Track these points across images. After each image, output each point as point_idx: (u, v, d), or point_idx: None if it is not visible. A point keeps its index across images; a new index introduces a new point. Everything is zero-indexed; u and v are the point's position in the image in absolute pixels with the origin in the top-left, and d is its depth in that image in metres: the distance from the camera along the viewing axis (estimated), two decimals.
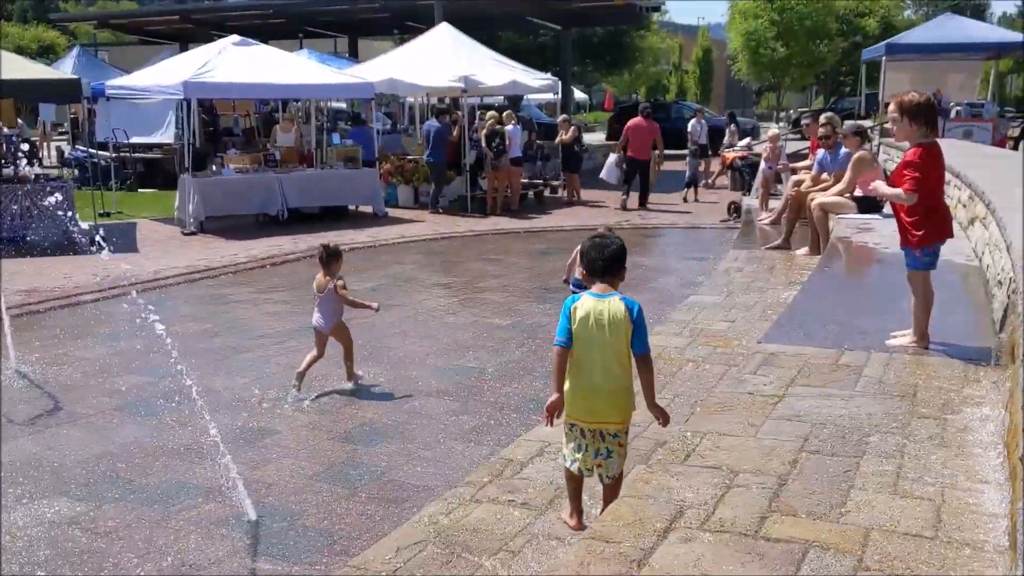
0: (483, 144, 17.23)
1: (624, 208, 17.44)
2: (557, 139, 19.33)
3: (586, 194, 19.54)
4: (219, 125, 21.59)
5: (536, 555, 4.03)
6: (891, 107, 5.37)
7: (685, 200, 18.84)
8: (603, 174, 18.57)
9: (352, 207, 17.18)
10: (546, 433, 5.60)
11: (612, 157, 18.62)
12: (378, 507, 5.02)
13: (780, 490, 3.60)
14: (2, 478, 5.26)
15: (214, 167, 15.70)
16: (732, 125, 23.62)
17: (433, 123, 17.52)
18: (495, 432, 6.07)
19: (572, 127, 19.13)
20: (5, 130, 15.94)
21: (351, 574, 3.98)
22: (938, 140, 5.47)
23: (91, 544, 4.61)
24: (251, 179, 15.61)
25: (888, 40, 24.90)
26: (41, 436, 6.14)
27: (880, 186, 5.69)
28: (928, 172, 5.20)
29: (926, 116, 5.25)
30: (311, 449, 5.90)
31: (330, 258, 7.11)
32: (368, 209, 16.98)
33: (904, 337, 5.64)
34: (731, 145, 21.60)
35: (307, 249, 13.37)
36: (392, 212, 17.17)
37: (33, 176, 14.43)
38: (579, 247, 4.38)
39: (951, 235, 5.48)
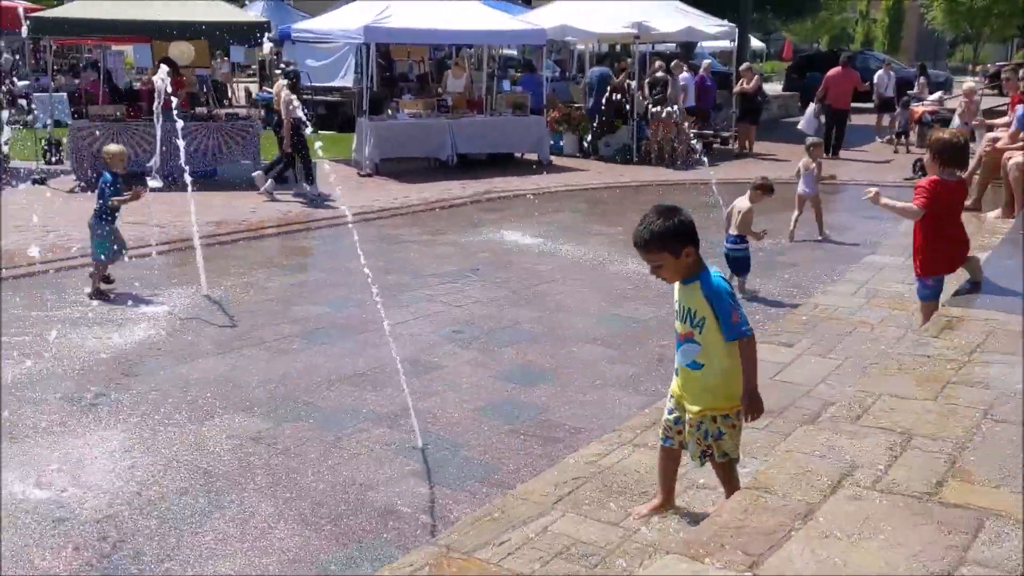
0: (644, 92, 16.92)
1: (827, 154, 17.06)
2: (737, 88, 18.72)
3: (759, 146, 18.90)
4: (395, 70, 22.15)
5: (693, 502, 4.02)
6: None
7: (896, 152, 18.46)
8: (801, 125, 18.02)
9: (518, 154, 17.32)
10: None
11: (811, 107, 18.02)
12: (535, 444, 5.13)
13: (958, 456, 3.42)
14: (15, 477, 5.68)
15: (389, 111, 16.16)
16: (922, 78, 22.14)
17: (597, 70, 17.34)
18: (653, 382, 6.05)
19: (755, 76, 18.50)
20: (198, 71, 16.98)
21: (511, 503, 4.10)
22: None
23: (271, 460, 4.94)
24: (424, 124, 15.97)
25: None
26: (227, 357, 6.61)
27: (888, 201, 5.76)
28: (939, 200, 5.51)
29: (952, 156, 5.59)
30: (474, 385, 6.07)
31: None
32: (533, 156, 17.07)
33: None
34: (919, 98, 20.29)
35: (473, 194, 13.62)
36: (557, 160, 17.19)
37: (223, 115, 15.30)
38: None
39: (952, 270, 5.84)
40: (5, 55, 20.39)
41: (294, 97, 12.52)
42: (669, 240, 3.56)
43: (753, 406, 3.62)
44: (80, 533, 4.16)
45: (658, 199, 13.69)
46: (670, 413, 3.87)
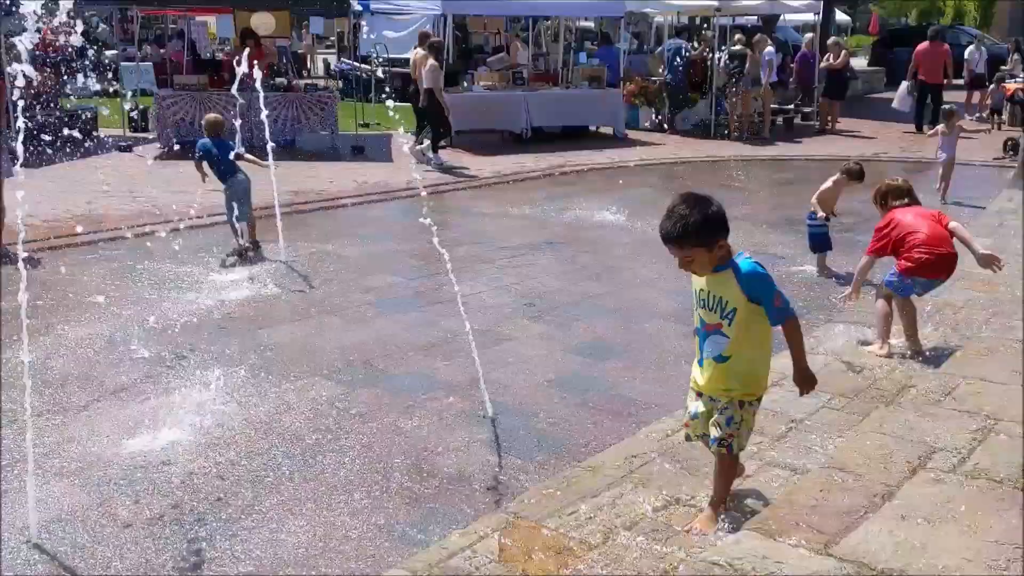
0: (721, 65, 16.59)
1: (920, 131, 16.80)
2: (823, 63, 18.23)
3: (843, 123, 18.40)
4: (470, 42, 22.14)
5: (767, 480, 3.97)
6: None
7: (988, 132, 17.81)
8: (895, 103, 17.58)
9: (593, 127, 17.18)
10: (782, 365, 5.45)
11: (903, 85, 17.55)
12: (605, 418, 5.12)
13: None
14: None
15: (464, 84, 16.17)
16: (1016, 54, 21.22)
17: (674, 42, 17.04)
18: None
19: (843, 52, 18.00)
20: (278, 42, 17.22)
21: (580, 474, 4.10)
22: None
23: (345, 424, 5.04)
24: (499, 96, 15.95)
25: None
26: (304, 324, 6.74)
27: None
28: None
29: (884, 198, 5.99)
30: (544, 358, 6.08)
31: None
32: (609, 130, 16.92)
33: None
34: (1012, 75, 19.49)
35: (547, 168, 13.58)
36: (632, 134, 17.00)
37: (303, 86, 15.52)
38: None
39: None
40: (103, 26, 20.99)
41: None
42: (704, 234, 3.39)
43: (807, 381, 3.54)
44: (161, 487, 4.30)
45: (734, 175, 13.54)
46: (694, 416, 3.71)
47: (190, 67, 16.86)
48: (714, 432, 3.55)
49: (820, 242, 7.99)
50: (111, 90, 15.99)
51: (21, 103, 3.98)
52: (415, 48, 14.06)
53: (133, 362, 5.87)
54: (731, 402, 3.52)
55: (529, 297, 7.41)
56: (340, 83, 19.64)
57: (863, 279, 6.00)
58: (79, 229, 8.50)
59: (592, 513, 3.70)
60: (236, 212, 8.38)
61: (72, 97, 15.59)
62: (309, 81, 19.46)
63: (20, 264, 3.98)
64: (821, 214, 7.69)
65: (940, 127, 11.54)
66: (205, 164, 8.38)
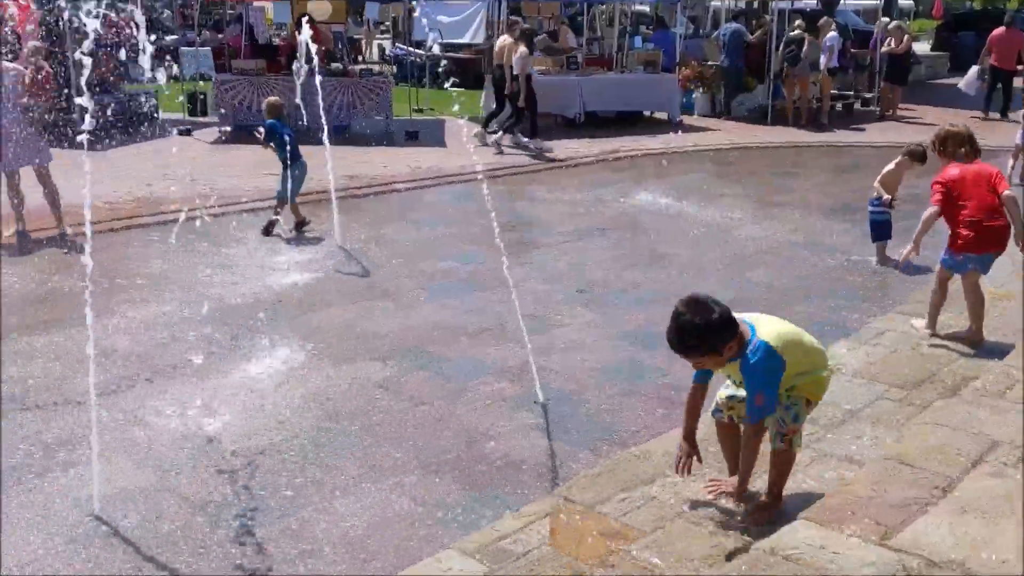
0: (779, 51, 16.29)
1: (987, 117, 16.54)
2: (885, 48, 17.81)
3: (905, 109, 17.97)
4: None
5: (820, 471, 3.92)
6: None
7: None
8: (961, 85, 17.12)
9: (647, 113, 17.02)
10: (840, 354, 5.37)
11: (973, 69, 17.10)
12: (657, 406, 5.10)
13: None
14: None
15: None
16: None
17: (730, 25, 16.78)
18: None
19: (906, 36, 17.56)
20: (334, 27, 17.34)
21: (631, 461, 4.10)
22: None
23: (397, 406, 5.09)
24: (552, 81, 15.87)
25: None
26: (358, 306, 6.81)
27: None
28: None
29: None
30: (595, 344, 6.07)
31: None
32: (663, 116, 16.74)
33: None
34: None
35: (600, 153, 13.49)
36: (687, 120, 16.79)
37: (358, 71, 15.61)
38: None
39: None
40: (166, 11, 21.37)
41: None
42: (709, 341, 3.36)
43: (738, 494, 3.59)
44: (218, 464, 4.39)
45: (791, 162, 13.31)
46: (725, 388, 3.76)
47: (248, 52, 17.03)
48: (776, 428, 3.51)
49: (881, 229, 7.83)
50: (171, 75, 16.25)
51: (84, 87, 4.07)
52: (501, 35, 14.29)
53: (191, 342, 5.99)
54: (799, 398, 3.49)
55: (581, 283, 7.40)
56: (395, 68, 19.73)
57: (925, 231, 5.73)
58: (139, 211, 8.69)
59: (643, 499, 3.69)
60: (288, 193, 8.55)
61: (134, 81, 15.91)
62: (364, 66, 19.57)
63: (85, 245, 4.07)
64: (886, 197, 7.53)
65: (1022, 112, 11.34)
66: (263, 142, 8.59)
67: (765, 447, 3.50)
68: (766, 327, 3.45)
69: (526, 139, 13.54)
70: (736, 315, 3.43)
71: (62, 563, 3.57)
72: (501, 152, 13.25)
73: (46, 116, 8.50)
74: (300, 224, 8.74)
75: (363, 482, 4.24)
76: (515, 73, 13.29)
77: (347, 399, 5.17)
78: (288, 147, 8.55)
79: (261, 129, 8.62)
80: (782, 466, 3.57)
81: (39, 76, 8.46)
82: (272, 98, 8.90)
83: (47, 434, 4.67)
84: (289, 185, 8.58)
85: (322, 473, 4.32)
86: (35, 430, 4.71)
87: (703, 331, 3.29)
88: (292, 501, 4.07)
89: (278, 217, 8.67)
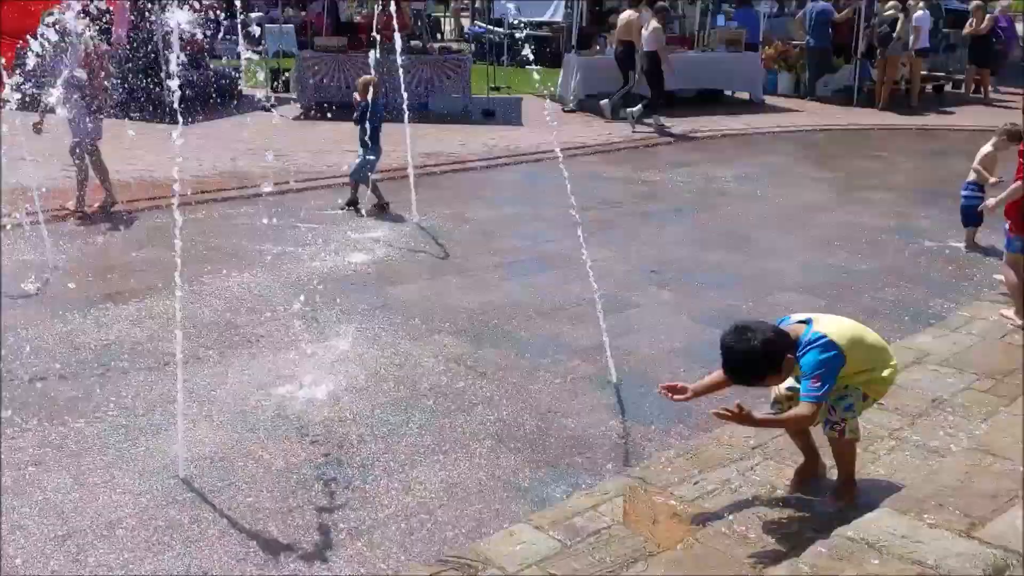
0: (870, 29, 15.78)
1: None
2: (967, 28, 17.14)
3: (1003, 93, 17.26)
4: (603, 5, 21.81)
5: (902, 460, 3.82)
6: None
7: None
8: None
9: (729, 92, 16.70)
10: (926, 343, 5.23)
11: None
12: (732, 390, 4.99)
13: None
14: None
15: (597, 47, 15.97)
16: None
17: (816, 4, 16.30)
18: None
19: (988, 16, 16.83)
20: (414, 5, 17.40)
21: (707, 444, 4.05)
22: None
23: (471, 382, 5.12)
24: None
25: None
26: (434, 283, 6.87)
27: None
28: None
29: None
30: (671, 325, 6.01)
31: None
32: (745, 96, 16.41)
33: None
34: None
35: (679, 133, 13.31)
36: (769, 100, 16.44)
37: (437, 49, 15.67)
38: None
39: None
40: None
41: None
42: (761, 368, 3.35)
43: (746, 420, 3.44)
44: (297, 431, 4.49)
45: (878, 145, 12.94)
46: (788, 387, 3.64)
47: (330, 29, 17.24)
48: (827, 415, 3.44)
49: (972, 215, 7.57)
50: (255, 51, 16.55)
51: (175, 63, 4.17)
52: (624, 10, 14.45)
53: (272, 314, 6.13)
54: (857, 391, 3.43)
55: (657, 264, 7.33)
56: (473, 46, 19.74)
57: (1012, 197, 5.77)
58: (224, 185, 8.89)
59: (718, 483, 3.65)
60: (364, 175, 8.66)
61: (219, 57, 16.26)
62: (443, 44, 19.64)
63: (175, 215, 4.19)
64: (992, 179, 7.30)
65: None
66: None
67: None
68: (825, 324, 3.42)
69: (664, 121, 13.56)
70: (792, 317, 3.49)
71: (148, 523, 3.70)
72: (660, 127, 13.32)
73: (102, 94, 8.48)
74: (381, 207, 8.81)
75: (435, 454, 4.29)
76: (648, 49, 13.32)
77: (422, 373, 5.22)
78: (373, 124, 8.63)
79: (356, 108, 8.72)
80: (840, 454, 3.52)
81: (94, 54, 8.34)
82: (367, 76, 8.98)
83: (135, 399, 4.83)
84: (365, 167, 8.66)
85: (396, 443, 4.38)
86: (123, 395, 4.88)
87: (767, 355, 3.29)
88: (367, 469, 4.14)
89: (357, 195, 8.78)
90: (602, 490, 3.64)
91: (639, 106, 13.49)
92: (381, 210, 8.79)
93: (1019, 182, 5.60)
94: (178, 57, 4.23)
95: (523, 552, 3.18)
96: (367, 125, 8.67)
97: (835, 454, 3.55)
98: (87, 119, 8.18)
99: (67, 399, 4.80)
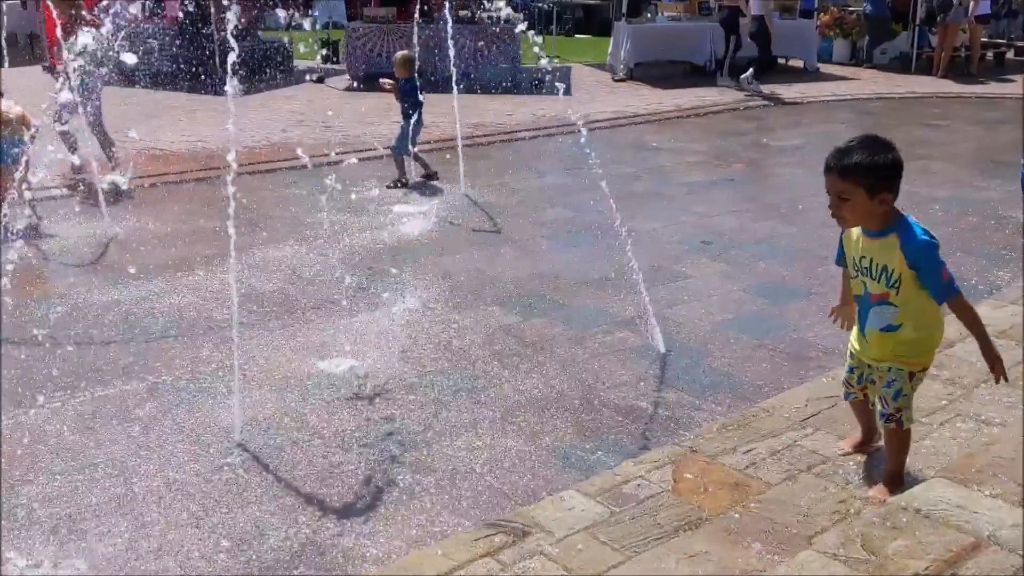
0: None
1: None
2: None
3: None
4: None
5: (956, 431, 3.75)
6: None
7: None
8: None
9: (783, 60, 16.40)
10: (984, 314, 5.10)
11: None
12: (785, 361, 4.98)
13: None
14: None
15: (648, 14, 15.78)
16: None
17: None
18: None
19: None
20: None
21: (758, 415, 4.03)
22: None
23: (520, 350, 5.14)
24: (683, 27, 15.49)
25: None
26: (481, 252, 6.89)
27: None
28: None
29: None
30: (722, 297, 5.96)
31: None
32: (799, 63, 16.10)
33: None
34: None
35: (732, 102, 13.13)
36: (824, 68, 16.13)
37: (486, 18, 15.58)
38: None
39: None
40: None
41: None
42: (872, 175, 3.04)
43: (999, 364, 3.08)
44: (350, 398, 4.56)
45: (937, 113, 12.64)
46: (851, 371, 3.47)
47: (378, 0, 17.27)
48: (880, 407, 3.30)
49: None
50: (305, 23, 16.65)
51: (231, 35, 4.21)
52: None
53: (322, 284, 6.21)
54: (900, 372, 3.22)
55: (708, 234, 7.26)
56: (521, 15, 19.56)
57: None
58: (275, 156, 9.00)
59: (768, 453, 3.63)
60: (407, 147, 8.71)
61: (269, 29, 16.37)
62: (492, 13, 19.53)
63: (228, 188, 4.25)
64: None
65: None
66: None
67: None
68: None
69: (755, 82, 13.66)
70: None
71: (206, 487, 3.79)
72: (758, 92, 13.37)
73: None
74: (428, 176, 8.86)
75: (484, 421, 4.32)
76: (754, 14, 13.29)
77: (470, 342, 5.26)
78: (413, 97, 8.66)
79: (388, 81, 8.75)
80: (895, 445, 3.35)
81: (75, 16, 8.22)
82: (403, 52, 9.00)
83: (194, 365, 4.94)
84: (405, 139, 8.69)
85: (445, 411, 4.43)
86: (182, 361, 4.99)
87: (882, 163, 3.05)
88: (416, 435, 4.19)
89: (404, 171, 8.81)
90: (651, 459, 3.65)
91: (751, 70, 13.53)
92: (428, 179, 8.83)
93: None
94: (233, 29, 4.26)
95: (571, 517, 3.21)
96: (407, 99, 8.68)
97: (890, 444, 3.39)
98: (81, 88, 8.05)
99: (126, 365, 4.93)
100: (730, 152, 10.32)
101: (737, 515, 3.14)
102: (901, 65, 15.98)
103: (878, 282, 3.19)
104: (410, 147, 8.75)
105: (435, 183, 8.81)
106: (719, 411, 4.38)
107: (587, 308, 5.79)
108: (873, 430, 3.62)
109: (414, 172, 8.87)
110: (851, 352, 3.45)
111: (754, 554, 2.88)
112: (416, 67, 8.89)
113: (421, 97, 8.66)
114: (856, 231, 3.29)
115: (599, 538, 3.07)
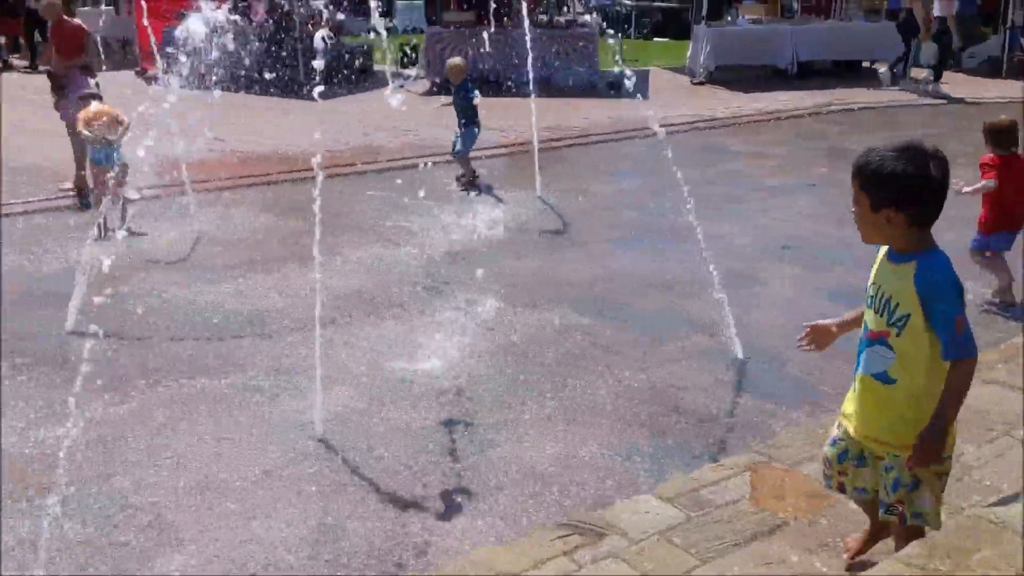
0: None
1: None
2: None
3: None
4: None
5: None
6: None
7: None
8: None
9: (867, 63, 16.05)
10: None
11: None
12: None
13: None
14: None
15: (728, 17, 15.62)
16: None
17: None
18: (1006, 319, 5.49)
19: None
20: None
21: (834, 422, 3.96)
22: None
23: (592, 352, 5.16)
24: (763, 30, 15.29)
25: None
26: (555, 255, 6.93)
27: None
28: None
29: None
30: (800, 302, 5.88)
31: None
32: (884, 67, 15.73)
33: None
34: None
35: (813, 106, 12.90)
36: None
37: (563, 22, 15.63)
38: None
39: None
40: None
41: None
42: (879, 185, 2.59)
43: (927, 451, 2.51)
44: (425, 398, 4.64)
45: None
46: (833, 444, 2.85)
47: (458, 4, 17.45)
48: (881, 495, 2.69)
49: None
50: (386, 28, 16.92)
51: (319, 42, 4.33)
52: None
53: (400, 284, 6.32)
54: (897, 460, 2.61)
55: (787, 239, 7.17)
56: (600, 18, 19.55)
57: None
58: (356, 159, 9.16)
59: None
60: (465, 150, 8.83)
61: (350, 34, 16.68)
62: (570, 17, 19.56)
63: (315, 192, 4.36)
64: None
65: None
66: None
67: None
68: None
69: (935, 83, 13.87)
70: None
71: (286, 477, 3.91)
72: (939, 94, 13.55)
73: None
74: (471, 180, 8.91)
75: (558, 423, 4.35)
76: (938, 14, 13.31)
77: (542, 345, 5.29)
78: (463, 107, 8.76)
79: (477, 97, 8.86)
80: (908, 538, 2.65)
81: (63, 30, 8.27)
82: (454, 59, 9.11)
83: (276, 362, 5.09)
84: (467, 143, 8.81)
85: (516, 413, 4.47)
86: (264, 358, 5.15)
87: (888, 173, 2.57)
88: (490, 436, 4.24)
89: (471, 170, 8.87)
90: (729, 465, 3.63)
91: (930, 73, 13.68)
92: (471, 183, 8.84)
93: None
94: (323, 34, 4.38)
95: (647, 520, 3.22)
96: (461, 105, 8.78)
97: (896, 544, 2.77)
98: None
99: (210, 361, 5.10)
100: (811, 156, 10.15)
101: (815, 523, 3.11)
102: (991, 69, 15.48)
103: (880, 316, 2.64)
104: (466, 151, 8.83)
105: (510, 185, 8.86)
106: (797, 419, 4.33)
107: (661, 311, 5.77)
108: (875, 523, 2.94)
109: (464, 175, 8.90)
110: (842, 414, 2.88)
111: (832, 563, 2.84)
112: (467, 74, 8.99)
113: (476, 100, 8.71)
114: (882, 251, 2.76)
115: (674, 542, 3.08)
